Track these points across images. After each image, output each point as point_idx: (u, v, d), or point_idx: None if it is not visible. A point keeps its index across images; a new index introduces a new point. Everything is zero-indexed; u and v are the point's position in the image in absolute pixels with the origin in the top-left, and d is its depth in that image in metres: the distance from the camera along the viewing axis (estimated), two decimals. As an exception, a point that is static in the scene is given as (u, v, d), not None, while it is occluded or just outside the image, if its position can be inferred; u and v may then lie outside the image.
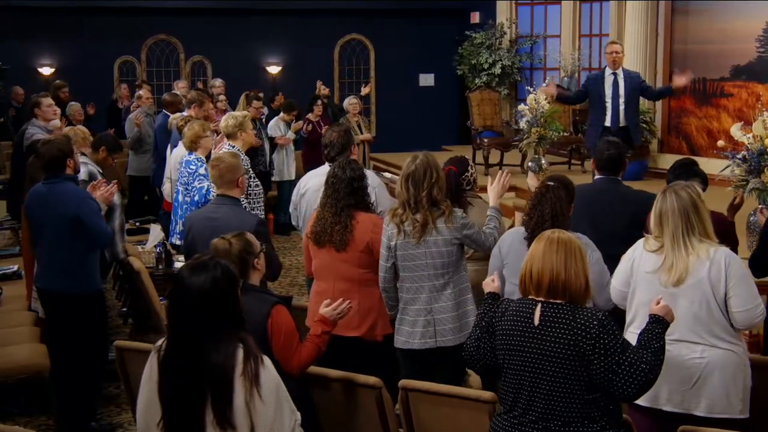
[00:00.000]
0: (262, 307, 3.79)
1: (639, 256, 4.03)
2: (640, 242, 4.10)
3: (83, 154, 6.54)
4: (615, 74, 9.02)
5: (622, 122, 8.97)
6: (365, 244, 4.73)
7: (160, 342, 3.18)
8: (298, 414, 3.22)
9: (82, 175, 6.15)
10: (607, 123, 8.95)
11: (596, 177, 5.43)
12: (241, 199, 6.41)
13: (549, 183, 4.40)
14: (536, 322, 3.32)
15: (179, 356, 3.05)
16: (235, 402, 3.01)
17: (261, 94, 12.79)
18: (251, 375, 3.02)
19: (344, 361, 4.41)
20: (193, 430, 3.02)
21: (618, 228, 4.55)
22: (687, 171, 4.99)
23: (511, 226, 5.58)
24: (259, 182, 6.75)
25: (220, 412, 2.99)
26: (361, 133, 11.73)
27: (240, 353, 3.05)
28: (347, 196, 4.73)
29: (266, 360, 3.12)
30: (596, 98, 9.08)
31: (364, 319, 4.76)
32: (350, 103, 11.89)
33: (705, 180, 5.02)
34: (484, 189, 5.12)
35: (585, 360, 3.23)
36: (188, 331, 3.04)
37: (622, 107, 8.96)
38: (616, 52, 9.07)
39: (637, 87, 9.04)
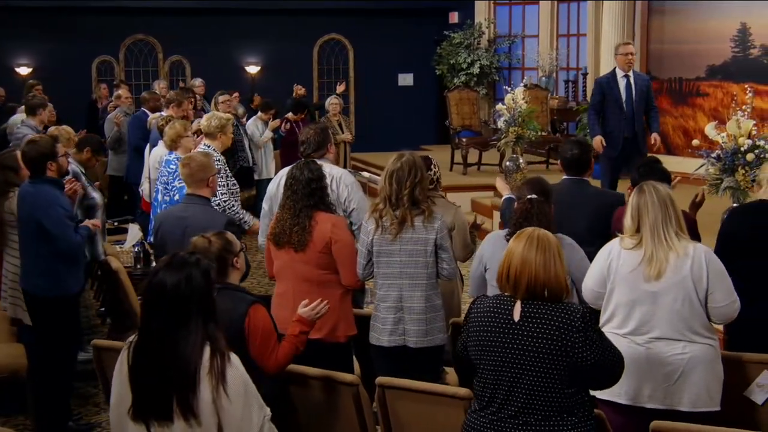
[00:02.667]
0: (239, 306, 3.78)
1: (616, 257, 4.03)
2: (614, 242, 4.09)
3: (67, 153, 6.51)
4: (627, 77, 8.49)
5: (636, 128, 8.47)
6: (324, 244, 4.67)
7: (131, 338, 3.20)
8: (268, 409, 3.23)
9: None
10: (626, 133, 8.41)
11: (563, 177, 5.45)
12: (226, 199, 6.44)
13: (531, 197, 4.33)
14: (516, 317, 3.31)
15: (149, 350, 3.08)
16: (202, 398, 3.03)
17: (236, 94, 12.71)
18: (217, 372, 3.03)
19: (306, 364, 4.34)
20: (161, 419, 3.05)
21: (581, 228, 4.53)
22: (650, 170, 5.03)
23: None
24: (235, 181, 6.81)
25: (183, 404, 3.01)
26: (342, 132, 11.75)
27: (207, 351, 3.06)
28: (305, 197, 4.68)
29: (234, 357, 3.14)
30: (612, 102, 8.50)
31: (324, 321, 4.59)
32: (331, 103, 11.91)
33: (667, 178, 5.03)
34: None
35: (571, 354, 3.23)
36: (159, 327, 3.06)
37: (635, 111, 8.45)
38: (631, 54, 8.56)
39: (645, 91, 8.51)
